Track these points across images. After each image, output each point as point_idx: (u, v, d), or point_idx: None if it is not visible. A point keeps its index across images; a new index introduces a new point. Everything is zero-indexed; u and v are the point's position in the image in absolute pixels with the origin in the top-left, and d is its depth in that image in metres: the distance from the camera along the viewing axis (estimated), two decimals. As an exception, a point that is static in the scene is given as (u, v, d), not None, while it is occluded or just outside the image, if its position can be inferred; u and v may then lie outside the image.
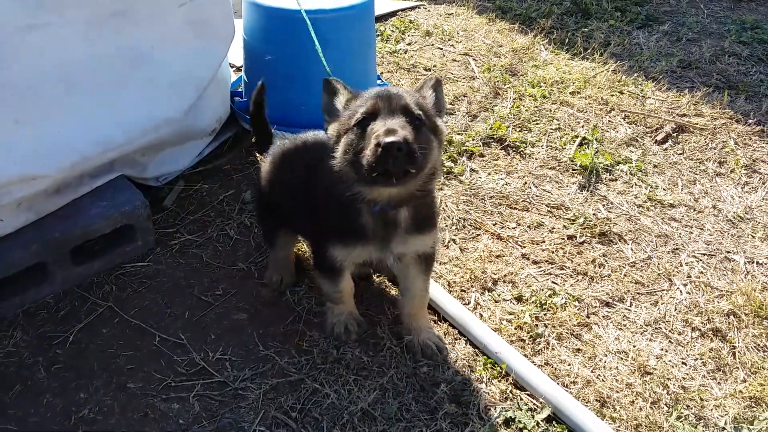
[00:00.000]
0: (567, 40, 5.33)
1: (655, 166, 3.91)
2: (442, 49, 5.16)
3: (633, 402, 2.49)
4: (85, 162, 2.94)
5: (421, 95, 2.34)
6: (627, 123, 4.32)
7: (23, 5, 2.63)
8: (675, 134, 4.21)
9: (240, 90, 4.20)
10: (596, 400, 2.50)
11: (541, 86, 4.64)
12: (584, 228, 3.35)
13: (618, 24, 5.70)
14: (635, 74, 4.84)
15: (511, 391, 2.50)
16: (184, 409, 2.45)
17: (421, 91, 2.38)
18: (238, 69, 4.46)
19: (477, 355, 2.66)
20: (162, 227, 3.28)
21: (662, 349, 2.73)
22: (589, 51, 5.13)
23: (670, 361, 2.68)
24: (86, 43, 2.86)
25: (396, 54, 5.00)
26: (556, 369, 2.60)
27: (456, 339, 2.73)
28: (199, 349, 2.69)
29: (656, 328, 2.83)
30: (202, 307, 2.89)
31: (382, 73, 4.65)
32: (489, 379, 2.55)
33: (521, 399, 2.48)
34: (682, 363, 2.68)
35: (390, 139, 2.01)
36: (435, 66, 4.87)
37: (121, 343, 2.72)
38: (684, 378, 2.61)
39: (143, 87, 3.12)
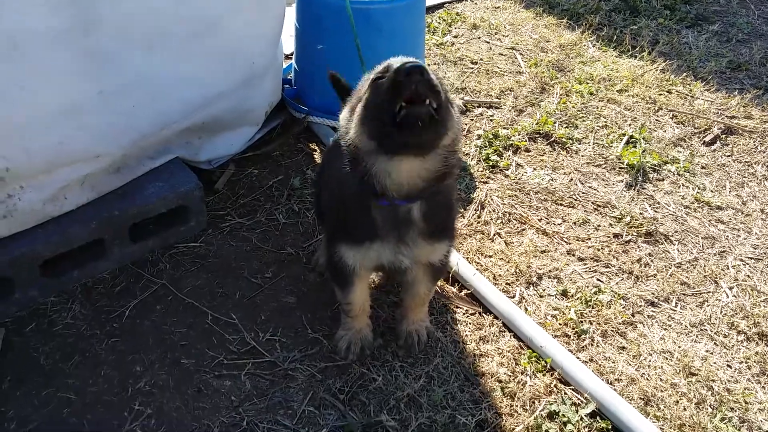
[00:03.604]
0: (615, 37, 5.28)
1: (703, 167, 3.89)
2: (488, 42, 5.16)
3: (677, 402, 2.50)
4: (142, 140, 3.00)
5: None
6: (675, 123, 4.30)
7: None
8: (724, 136, 4.18)
9: (290, 77, 4.26)
10: (640, 398, 2.52)
11: (588, 83, 4.62)
12: (630, 227, 3.35)
13: (667, 22, 5.63)
14: (684, 74, 4.79)
15: (555, 385, 2.54)
16: (235, 386, 2.53)
17: None
18: (288, 57, 4.52)
19: (522, 348, 2.69)
20: (213, 209, 3.36)
21: (707, 351, 2.74)
22: (637, 49, 5.09)
23: (715, 363, 2.69)
24: (171, 8, 2.85)
25: (443, 46, 5.02)
26: (600, 366, 2.63)
27: (501, 331, 2.76)
28: (250, 329, 2.76)
29: (701, 330, 2.83)
30: (253, 288, 2.96)
31: (429, 64, 4.67)
32: (534, 372, 2.59)
33: (565, 393, 2.51)
34: (727, 365, 2.69)
35: (410, 64, 1.83)
36: (482, 59, 4.87)
37: (175, 320, 2.81)
38: (729, 380, 2.61)
39: (205, 57, 3.10)
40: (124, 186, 3.01)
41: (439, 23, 5.39)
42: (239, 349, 2.68)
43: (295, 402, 2.46)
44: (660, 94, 4.55)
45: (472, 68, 4.76)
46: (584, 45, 5.19)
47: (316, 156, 3.79)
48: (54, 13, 2.50)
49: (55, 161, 2.69)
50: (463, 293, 2.93)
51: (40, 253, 2.75)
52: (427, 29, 5.21)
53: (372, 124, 1.98)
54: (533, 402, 2.47)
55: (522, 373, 2.58)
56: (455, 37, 5.22)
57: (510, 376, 2.57)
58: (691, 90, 4.62)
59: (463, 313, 2.84)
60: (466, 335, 2.74)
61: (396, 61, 2.01)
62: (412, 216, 2.21)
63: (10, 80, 2.45)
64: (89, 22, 2.60)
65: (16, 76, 2.47)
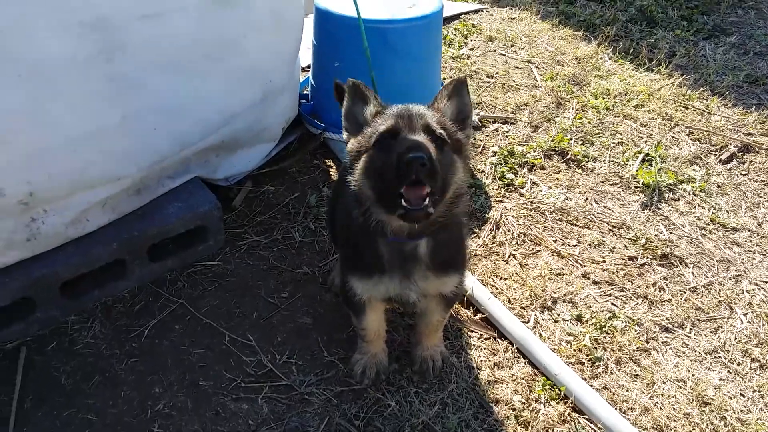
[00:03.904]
0: (631, 49, 5.27)
1: (718, 186, 3.88)
2: (504, 55, 5.16)
3: (690, 432, 2.52)
4: (162, 161, 3.04)
5: (442, 113, 2.20)
6: (691, 140, 4.29)
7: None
8: (740, 154, 4.17)
9: (306, 92, 4.28)
10: (653, 427, 2.53)
11: (604, 98, 4.62)
12: (645, 249, 3.35)
13: (684, 34, 5.61)
14: (701, 88, 4.78)
15: (569, 414, 2.55)
16: (252, 410, 2.56)
17: (438, 103, 2.23)
18: (305, 69, 4.54)
19: (536, 375, 2.71)
20: (231, 227, 3.39)
21: (721, 379, 2.75)
22: (654, 62, 5.08)
23: (728, 392, 2.69)
24: (192, 31, 2.89)
25: (459, 59, 5.03)
26: (614, 394, 2.64)
27: (516, 357, 2.78)
28: (267, 351, 2.80)
29: (715, 357, 2.84)
30: (269, 309, 3.00)
31: (444, 79, 4.68)
32: (547, 400, 2.61)
33: (579, 422, 2.53)
34: (740, 394, 2.69)
35: (412, 154, 1.91)
36: (497, 73, 4.88)
37: (193, 340, 2.85)
38: (741, 410, 2.62)
39: (224, 78, 3.14)
40: (144, 206, 3.05)
41: (455, 35, 5.40)
42: (256, 371, 2.71)
43: (311, 427, 2.50)
44: (676, 110, 4.54)
45: (488, 82, 4.76)
46: (600, 58, 5.18)
47: (332, 173, 3.82)
48: (78, 41, 2.55)
49: (77, 185, 2.73)
50: (477, 317, 2.95)
51: (62, 274, 2.80)
52: (443, 41, 5.22)
53: (374, 188, 2.08)
54: (547, 431, 2.49)
55: (536, 401, 2.60)
56: (471, 49, 5.22)
57: (524, 403, 2.59)
58: (707, 105, 4.61)
59: (478, 338, 2.86)
60: (481, 361, 2.76)
61: (402, 119, 2.09)
62: (419, 252, 2.24)
63: (36, 106, 2.50)
64: (112, 49, 2.64)
65: (41, 103, 2.51)
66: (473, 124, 4.23)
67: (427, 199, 1.97)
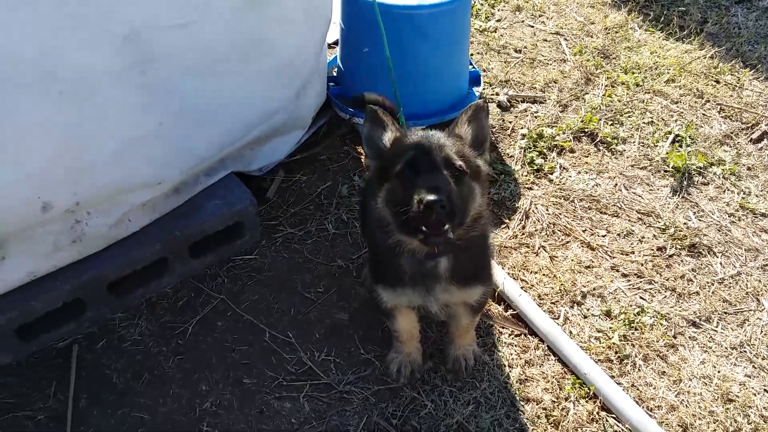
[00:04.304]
0: (662, 17, 5.16)
1: (749, 168, 3.87)
2: (532, 27, 5.08)
3: (714, 431, 2.62)
4: (201, 163, 3.12)
5: (461, 141, 2.24)
6: (722, 117, 4.25)
7: (172, 3, 2.70)
8: (771, 132, 4.13)
9: (334, 74, 4.28)
10: (679, 425, 2.63)
11: (634, 73, 4.56)
12: (674, 239, 3.39)
13: (716, -3, 5.46)
14: (732, 60, 4.69)
15: (597, 413, 2.66)
16: (295, 408, 2.70)
17: (459, 128, 2.28)
18: (331, 46, 4.51)
19: (566, 373, 2.81)
20: (265, 219, 3.47)
21: (746, 375, 2.82)
22: (685, 32, 4.97)
23: (752, 388, 2.78)
24: (225, 35, 2.92)
25: (486, 32, 4.96)
26: (641, 392, 2.74)
27: (546, 355, 2.88)
28: (306, 348, 2.92)
29: (741, 352, 2.92)
30: (306, 304, 3.11)
31: (472, 54, 4.64)
32: (577, 398, 2.71)
33: (607, 421, 2.63)
34: (765, 390, 2.77)
35: (432, 197, 1.95)
36: (525, 47, 4.82)
37: (235, 337, 2.97)
38: (765, 408, 2.71)
39: (258, 77, 3.18)
40: (184, 205, 3.13)
41: (482, 4, 5.30)
42: (297, 369, 2.84)
43: (351, 426, 2.63)
44: (707, 85, 4.48)
45: (516, 58, 4.71)
46: (630, 27, 5.08)
47: (362, 159, 3.86)
48: (113, 54, 2.59)
49: (120, 191, 2.82)
50: (508, 313, 3.04)
51: (109, 275, 2.92)
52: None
53: (395, 215, 2.12)
54: (576, 431, 2.60)
55: (566, 400, 2.71)
56: (498, 21, 5.14)
57: (554, 402, 2.70)
58: (739, 79, 4.54)
59: (509, 335, 2.96)
60: (512, 358, 2.86)
61: (422, 151, 2.12)
62: (439, 269, 2.33)
63: (79, 121, 2.57)
64: (147, 60, 2.68)
65: (83, 117, 2.58)
66: (503, 105, 4.25)
67: (447, 225, 2.04)
